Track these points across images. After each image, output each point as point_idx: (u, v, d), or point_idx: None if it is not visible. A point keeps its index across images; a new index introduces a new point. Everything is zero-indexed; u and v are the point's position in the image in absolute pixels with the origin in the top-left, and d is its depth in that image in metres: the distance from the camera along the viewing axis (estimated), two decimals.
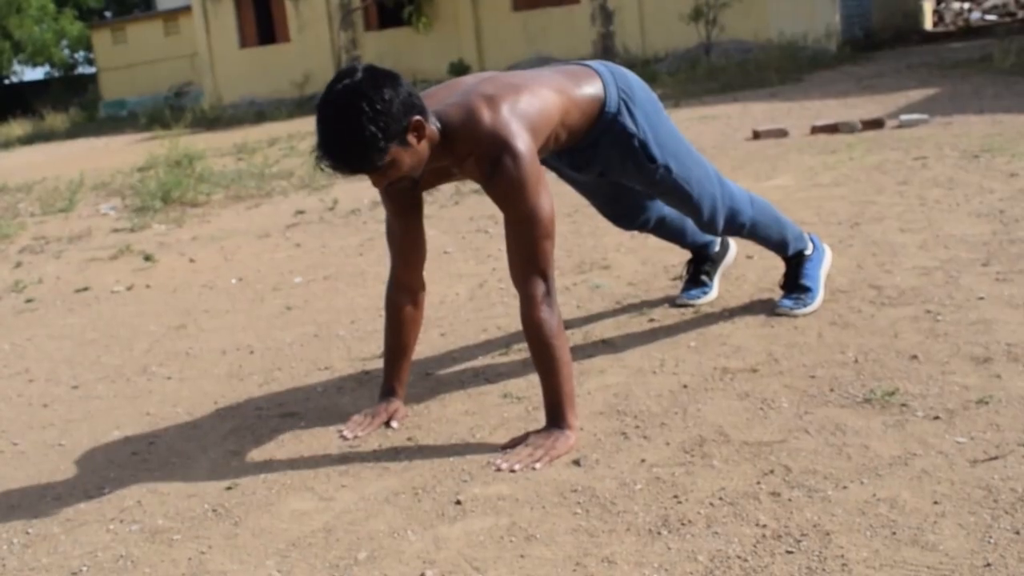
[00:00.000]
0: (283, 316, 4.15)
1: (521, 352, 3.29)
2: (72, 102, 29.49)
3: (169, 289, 4.95)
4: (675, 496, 2.19)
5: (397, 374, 2.86)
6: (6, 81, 37.00)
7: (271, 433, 2.82)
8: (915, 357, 2.86)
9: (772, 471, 2.26)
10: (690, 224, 3.42)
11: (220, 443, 2.79)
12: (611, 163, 2.91)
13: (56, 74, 34.44)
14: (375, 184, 2.48)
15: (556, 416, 2.52)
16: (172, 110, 23.44)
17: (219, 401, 3.16)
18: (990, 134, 6.66)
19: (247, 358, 3.60)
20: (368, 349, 3.53)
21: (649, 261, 4.33)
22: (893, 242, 4.13)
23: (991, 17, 25.81)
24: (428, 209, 6.40)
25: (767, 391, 2.73)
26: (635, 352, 3.17)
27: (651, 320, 3.50)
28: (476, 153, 2.49)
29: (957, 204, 4.66)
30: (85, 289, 5.14)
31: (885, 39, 19.61)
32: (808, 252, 3.43)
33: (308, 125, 16.89)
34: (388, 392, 2.84)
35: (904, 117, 7.72)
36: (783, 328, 3.24)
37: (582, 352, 3.20)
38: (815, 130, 7.85)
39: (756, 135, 7.99)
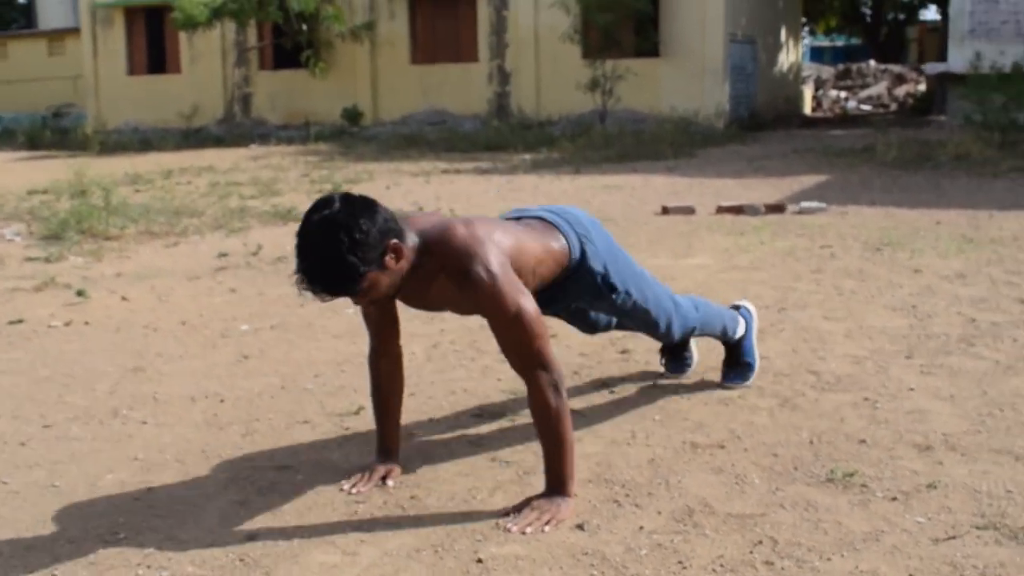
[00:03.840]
0: (241, 365, 4.23)
1: (498, 417, 3.47)
2: None
3: (111, 328, 4.95)
4: (679, 562, 2.40)
5: (389, 435, 3.01)
6: None
7: (271, 485, 2.93)
8: (863, 441, 3.16)
9: (760, 542, 2.50)
10: None
11: (222, 493, 2.88)
12: (579, 298, 3.14)
13: None
14: (356, 303, 2.67)
15: (558, 485, 2.71)
16: (50, 130, 22.86)
17: (206, 450, 3.24)
18: (886, 227, 7.18)
19: (220, 407, 3.68)
20: (341, 404, 3.66)
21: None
22: (820, 329, 4.48)
23: (866, 107, 27.31)
24: None
25: (738, 467, 2.98)
26: (605, 424, 3.39)
27: (612, 391, 3.73)
28: (447, 266, 2.61)
29: (872, 296, 5.06)
30: (19, 321, 5.09)
31: (768, 121, 20.60)
32: (742, 333, 3.72)
33: (198, 158, 16.77)
34: (383, 452, 2.99)
35: (804, 204, 8.22)
36: (737, 407, 3.51)
37: None
38: (720, 210, 8.29)
39: (665, 210, 8.38)
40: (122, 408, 3.69)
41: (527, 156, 15.24)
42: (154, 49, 23.86)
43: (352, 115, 21.25)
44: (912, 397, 3.55)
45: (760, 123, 20.19)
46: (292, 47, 21.16)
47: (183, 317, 5.14)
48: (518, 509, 2.69)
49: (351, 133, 20.79)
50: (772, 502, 2.74)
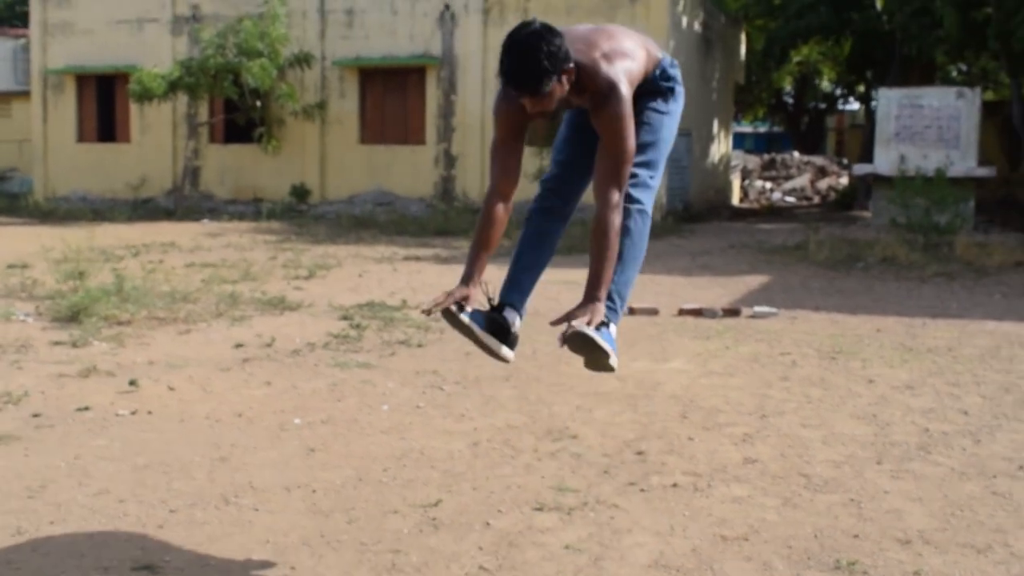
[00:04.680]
0: (313, 457, 4.89)
1: (553, 510, 4.19)
2: None
3: (174, 418, 5.55)
4: None
5: (478, 263, 3.54)
6: None
7: (392, 565, 3.60)
8: (856, 536, 3.95)
9: None
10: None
11: (356, 570, 3.55)
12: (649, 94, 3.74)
13: None
14: (531, 108, 3.29)
15: (594, 291, 3.36)
16: None
17: (323, 535, 3.90)
18: (834, 334, 8.11)
19: (314, 496, 4.33)
20: (419, 496, 4.34)
21: (608, 434, 5.33)
22: (800, 436, 5.30)
23: (790, 199, 28.82)
24: (368, 358, 7.22)
25: (763, 556, 3.75)
26: (645, 518, 4.12)
27: (642, 490, 4.47)
28: (592, 90, 3.36)
29: (836, 405, 5.91)
30: (86, 408, 5.66)
31: (701, 212, 21.78)
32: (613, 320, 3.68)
33: (155, 232, 17.24)
34: (467, 278, 3.50)
35: (757, 309, 9.14)
36: (749, 505, 4.29)
37: (604, 513, 4.13)
38: (682, 312, 9.15)
39: (631, 311, 9.20)
40: (229, 495, 4.32)
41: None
42: (104, 117, 24.25)
43: (300, 193, 21.89)
44: (888, 499, 4.37)
45: (694, 215, 21.36)
46: (245, 123, 21.77)
47: (235, 409, 5.76)
48: (562, 320, 3.34)
49: (299, 211, 21.41)
50: None
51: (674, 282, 11.43)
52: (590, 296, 3.38)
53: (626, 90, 3.38)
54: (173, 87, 20.74)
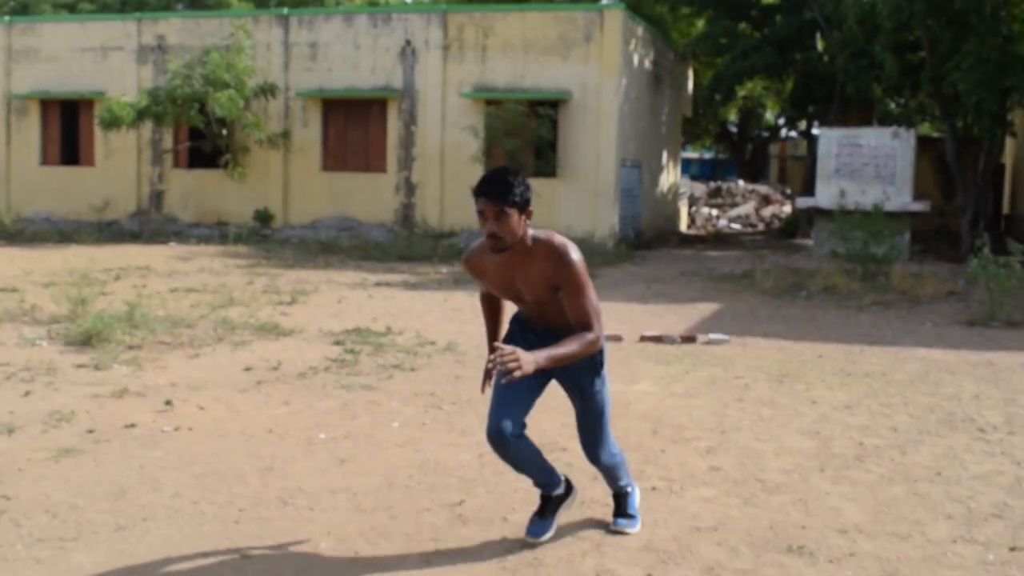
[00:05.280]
0: (345, 467, 5.71)
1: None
2: None
3: (213, 433, 6.34)
4: None
5: (496, 335, 4.73)
6: None
7: (455, 555, 4.46)
8: (804, 527, 4.88)
9: None
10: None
11: (412, 549, 4.40)
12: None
13: None
14: (488, 223, 4.04)
15: (541, 357, 4.01)
16: None
17: (374, 527, 4.73)
18: (781, 360, 9.10)
19: (356, 498, 5.16)
20: (443, 497, 5.19)
21: None
22: (754, 448, 6.23)
23: (736, 226, 30.07)
24: (369, 380, 8.04)
25: (730, 542, 4.65)
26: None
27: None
28: (552, 253, 4.15)
29: (785, 423, 6.87)
30: (133, 426, 6.43)
31: (651, 239, 22.86)
32: (631, 490, 4.88)
33: (125, 255, 17.88)
34: (492, 348, 4.53)
35: (712, 336, 10.11)
36: (716, 504, 5.19)
37: (599, 510, 5.02)
38: (643, 338, 10.09)
39: None
40: (285, 498, 5.14)
41: (444, 269, 16.95)
42: (68, 141, 24.79)
43: (264, 217, 22.61)
44: (829, 499, 5.31)
45: (644, 241, 22.44)
46: (211, 150, 22.47)
47: (264, 426, 6.56)
48: (504, 356, 3.96)
49: (264, 235, 22.13)
50: (759, 563, 4.41)
51: (632, 309, 12.39)
52: (537, 355, 4.05)
53: (580, 257, 4.20)
54: (141, 115, 21.40)
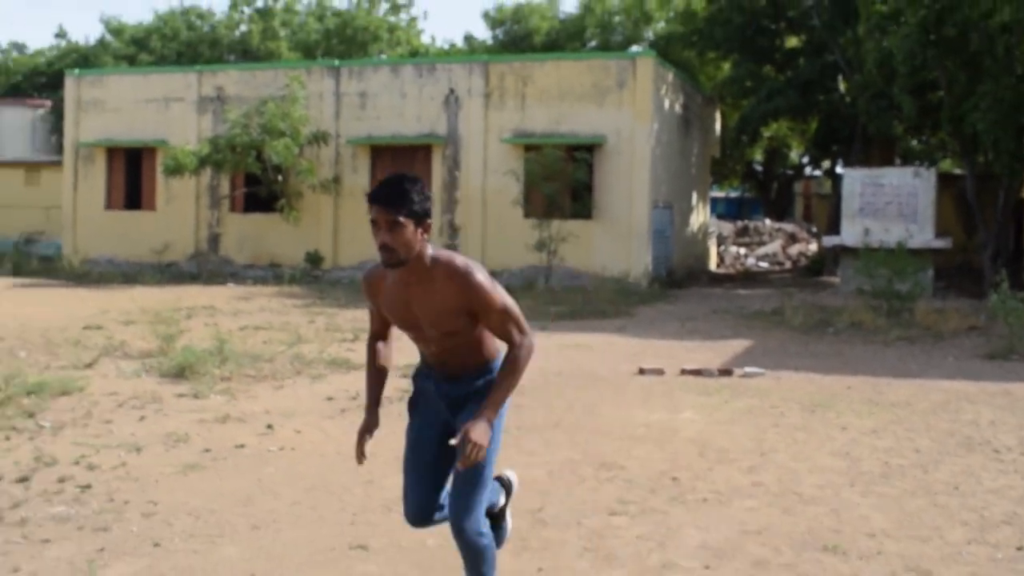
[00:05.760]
0: None
1: (626, 514, 5.89)
2: None
3: (313, 453, 7.22)
4: None
5: (377, 398, 4.22)
6: None
7: (540, 551, 5.29)
8: (838, 531, 5.68)
9: None
10: None
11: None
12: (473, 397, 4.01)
13: None
14: (380, 233, 3.65)
15: (491, 414, 3.76)
16: (32, 258, 24.87)
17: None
18: (812, 392, 9.90)
19: None
20: (525, 505, 6.02)
21: (646, 466, 7.05)
22: (791, 467, 7.04)
23: (764, 264, 30.86)
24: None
25: (774, 543, 5.46)
26: (688, 520, 5.84)
27: (682, 503, 6.19)
28: (453, 273, 3.74)
29: (818, 446, 7.68)
30: (242, 446, 7.32)
31: (682, 278, 23.69)
32: (503, 503, 4.58)
33: (189, 295, 18.87)
34: (372, 413, 4.20)
35: (747, 369, 10.92)
36: (759, 513, 6.01)
37: (658, 517, 5.84)
38: (684, 372, 10.91)
39: (642, 371, 10.96)
40: (390, 504, 5.99)
41: None
42: (131, 187, 26.02)
43: (314, 259, 23.64)
44: (858, 509, 6.11)
45: (676, 281, 23.29)
46: (268, 196, 23.60)
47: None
48: (461, 442, 3.70)
49: (314, 276, 23.16)
50: (800, 560, 5.23)
51: (670, 346, 13.22)
52: (485, 417, 3.79)
53: (486, 273, 3.82)
54: (203, 162, 22.54)
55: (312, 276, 23.11)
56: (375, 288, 3.99)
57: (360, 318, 15.99)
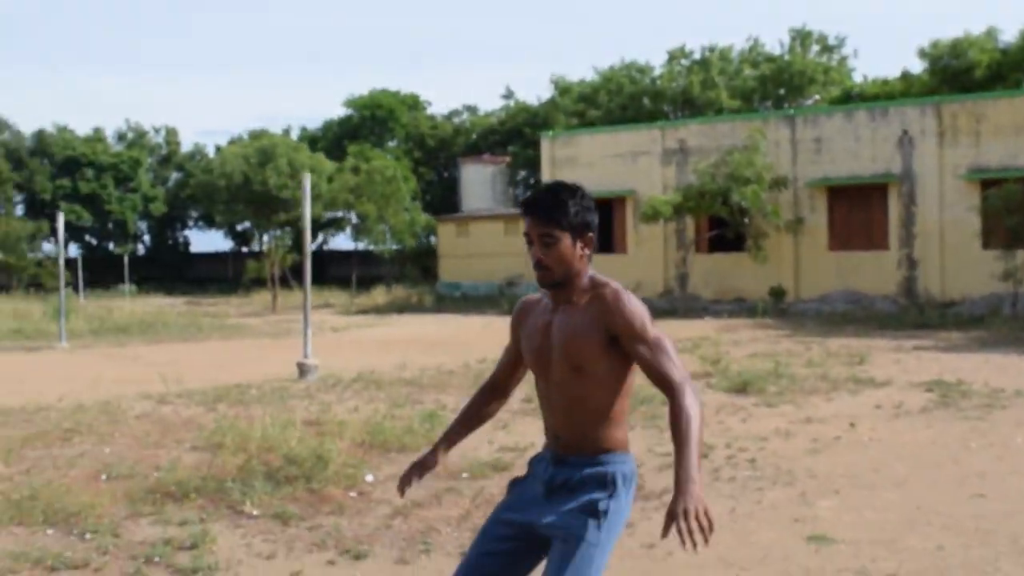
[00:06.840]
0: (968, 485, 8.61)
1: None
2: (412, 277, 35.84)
3: (896, 444, 9.49)
4: None
5: (454, 438, 3.63)
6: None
7: None
8: None
9: None
10: None
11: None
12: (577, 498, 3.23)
13: (403, 249, 40.58)
14: (534, 249, 3.23)
15: (690, 484, 2.88)
16: (505, 296, 29.35)
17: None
18: None
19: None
20: None
21: None
22: None
23: None
24: (977, 414, 10.87)
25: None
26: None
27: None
28: (601, 295, 3.21)
29: None
30: (838, 438, 9.75)
31: None
32: None
33: (680, 329, 21.78)
34: (444, 444, 3.61)
35: None
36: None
37: None
38: None
39: None
40: (1006, 473, 8.15)
41: (955, 333, 19.38)
42: (603, 233, 29.79)
43: (778, 293, 26.02)
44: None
45: None
46: (735, 236, 26.38)
47: (918, 440, 9.62)
48: (669, 529, 2.88)
49: (780, 309, 25.54)
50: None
51: None
52: (686, 493, 2.91)
53: (642, 305, 3.27)
54: (677, 209, 25.68)
55: (779, 309, 25.50)
56: (522, 315, 3.49)
57: (846, 345, 18.09)
